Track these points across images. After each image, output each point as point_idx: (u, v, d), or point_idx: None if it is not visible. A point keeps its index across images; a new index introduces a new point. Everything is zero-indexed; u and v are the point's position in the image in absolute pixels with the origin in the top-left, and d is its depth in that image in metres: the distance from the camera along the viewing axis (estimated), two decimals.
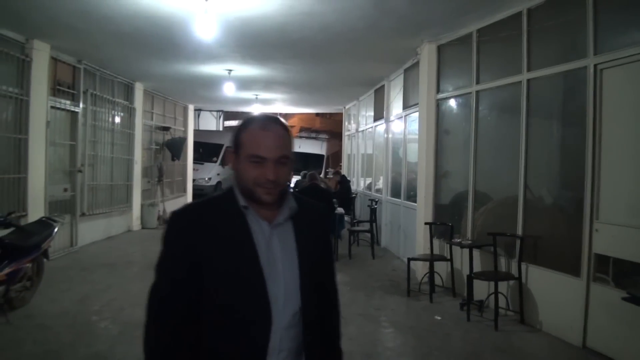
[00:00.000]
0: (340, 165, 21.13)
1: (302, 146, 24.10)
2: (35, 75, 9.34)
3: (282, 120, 2.02)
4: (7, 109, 8.83)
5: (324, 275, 2.15)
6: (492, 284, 6.92)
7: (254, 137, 1.92)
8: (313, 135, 27.45)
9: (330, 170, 19.20)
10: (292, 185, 14.17)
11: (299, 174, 15.36)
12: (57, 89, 10.45)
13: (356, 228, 13.14)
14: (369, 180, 15.99)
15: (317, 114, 29.57)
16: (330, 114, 28.61)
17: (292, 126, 35.54)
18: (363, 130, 16.61)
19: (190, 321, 1.90)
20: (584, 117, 6.01)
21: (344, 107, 20.15)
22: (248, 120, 2.00)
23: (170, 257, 1.95)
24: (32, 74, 9.25)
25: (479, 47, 8.03)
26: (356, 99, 17.35)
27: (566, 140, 6.58)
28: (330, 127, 30.82)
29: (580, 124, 6.09)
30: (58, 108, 10.46)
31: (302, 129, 32.85)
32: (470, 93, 8.20)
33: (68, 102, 10.84)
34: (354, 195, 15.54)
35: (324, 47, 9.66)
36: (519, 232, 6.98)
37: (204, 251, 1.89)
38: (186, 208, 2.04)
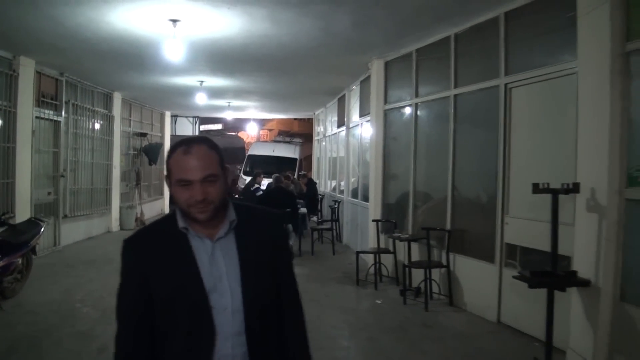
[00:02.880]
0: (308, 172, 22.00)
1: (276, 150, 24.95)
2: (22, 89, 10.20)
3: (208, 139, 2.13)
4: None
5: (277, 278, 2.21)
6: (427, 271, 7.97)
7: (178, 162, 2.01)
8: (287, 139, 28.36)
9: (303, 172, 20.16)
10: (263, 187, 15.08)
11: (270, 177, 16.23)
12: (42, 100, 11.31)
13: (319, 226, 14.10)
14: (335, 183, 17.01)
15: (295, 118, 30.49)
16: (308, 118, 29.63)
17: (270, 129, 36.35)
18: (329, 136, 17.65)
19: (148, 335, 2.07)
20: (497, 127, 7.09)
21: (314, 113, 21.20)
22: (174, 146, 2.09)
23: (124, 280, 2.11)
24: (19, 87, 10.12)
25: (418, 64, 9.11)
26: (324, 106, 18.38)
27: (484, 147, 7.59)
28: (307, 131, 31.68)
29: (495, 133, 7.16)
30: (42, 118, 11.33)
31: (280, 132, 33.69)
32: (411, 105, 9.27)
33: (51, 112, 11.72)
34: (320, 197, 16.58)
35: (283, 62, 10.69)
36: (448, 226, 8.05)
37: (150, 273, 2.04)
38: (134, 235, 2.19)
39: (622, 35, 5.16)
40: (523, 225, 6.65)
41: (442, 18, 7.60)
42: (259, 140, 33.61)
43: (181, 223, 2.07)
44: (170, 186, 2.06)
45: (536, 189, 5.50)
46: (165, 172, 2.14)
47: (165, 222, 2.15)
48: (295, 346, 2.25)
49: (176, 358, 2.04)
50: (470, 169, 7.94)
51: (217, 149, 2.09)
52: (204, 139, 2.10)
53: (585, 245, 5.50)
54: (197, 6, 7.07)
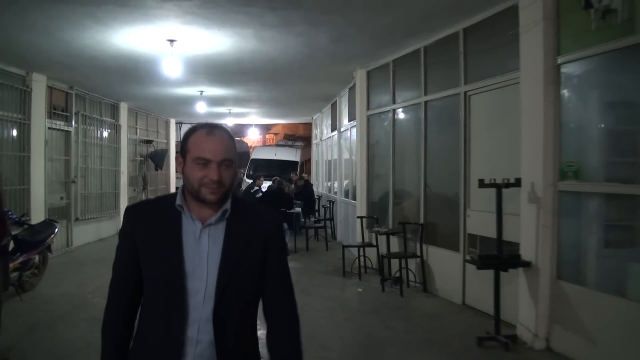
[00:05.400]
0: (305, 174, 22.71)
1: (278, 154, 25.71)
2: (35, 102, 11.13)
3: (226, 127, 2.21)
4: (12, 132, 10.67)
5: (267, 277, 2.21)
6: (401, 261, 8.84)
7: (200, 141, 2.06)
8: (289, 143, 29.12)
9: (305, 175, 21.02)
10: (263, 189, 15.95)
11: (270, 180, 17.04)
12: (53, 112, 12.24)
13: (314, 225, 15.00)
14: (330, 184, 17.88)
15: (300, 122, 31.20)
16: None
17: (276, 133, 37.06)
18: (325, 139, 18.56)
19: (134, 294, 2.18)
20: (459, 130, 7.94)
21: (312, 118, 22.13)
22: (195, 127, 2.14)
23: (120, 244, 2.21)
24: (32, 101, 11.04)
25: (395, 73, 9.98)
26: (319, 111, 19.29)
27: (450, 148, 8.39)
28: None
29: (457, 136, 8.01)
30: (54, 129, 12.27)
31: (285, 136, 34.33)
32: (389, 110, 10.15)
33: (62, 123, 12.66)
34: (317, 197, 17.49)
35: (275, 74, 11.60)
36: (421, 220, 8.90)
37: (140, 243, 2.13)
38: (136, 204, 2.30)
39: (553, 50, 6.03)
40: (481, 217, 7.48)
41: (411, 33, 8.46)
42: (264, 144, 34.39)
43: (178, 201, 2.12)
44: (183, 165, 2.12)
45: (481, 183, 6.38)
46: (180, 151, 2.18)
47: (167, 199, 2.21)
48: (287, 353, 2.23)
49: (152, 329, 2.10)
50: (439, 169, 8.78)
51: (234, 140, 2.18)
52: (223, 127, 2.17)
53: (528, 232, 6.34)
54: (191, 28, 7.95)
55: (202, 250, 2.08)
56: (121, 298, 2.19)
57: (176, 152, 21.89)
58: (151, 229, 2.12)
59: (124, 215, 2.21)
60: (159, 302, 2.08)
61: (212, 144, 2.05)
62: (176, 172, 22.50)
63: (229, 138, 2.12)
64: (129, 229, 2.16)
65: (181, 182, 2.20)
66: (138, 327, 2.16)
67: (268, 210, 2.33)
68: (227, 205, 2.13)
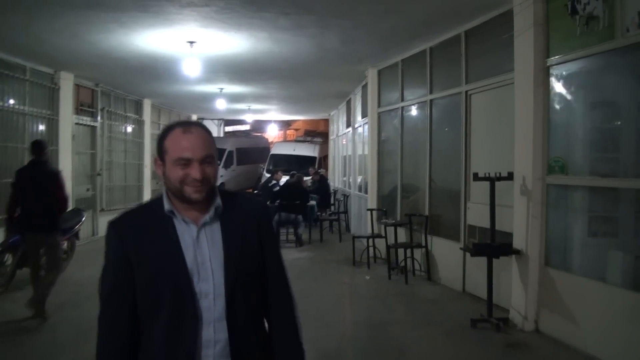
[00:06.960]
0: (322, 170, 23.20)
1: (297, 149, 26.12)
2: (63, 99, 11.81)
3: (202, 123, 2.15)
4: (41, 127, 11.35)
5: (264, 264, 2.19)
6: (407, 251, 9.34)
7: (177, 141, 1.99)
8: (308, 139, 29.61)
9: (322, 170, 21.53)
10: (281, 183, 16.48)
11: (287, 174, 17.55)
12: (80, 108, 12.94)
13: (329, 217, 15.55)
14: (345, 178, 18.39)
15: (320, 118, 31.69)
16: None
17: (296, 129, 37.56)
18: (341, 135, 19.07)
19: (131, 317, 2.04)
20: (460, 127, 8.41)
21: (329, 114, 22.65)
22: (169, 127, 2.07)
23: (108, 262, 2.09)
24: (60, 98, 11.74)
25: (403, 72, 10.46)
26: (336, 108, 19.81)
27: (453, 144, 8.83)
28: None
29: (459, 132, 8.47)
30: (81, 124, 12.95)
31: (306, 132, 34.82)
32: (398, 108, 10.64)
33: (88, 118, 13.36)
34: (333, 192, 18.01)
35: (290, 72, 12.17)
36: (426, 212, 9.38)
37: (133, 255, 2.01)
38: (120, 217, 2.14)
39: (543, 53, 6.46)
40: (480, 209, 7.91)
41: (416, 35, 8.92)
42: (285, 139, 34.91)
43: (167, 206, 2.06)
44: (162, 167, 2.05)
45: (476, 177, 6.85)
46: (157, 154, 2.09)
47: (152, 205, 2.14)
48: (284, 333, 2.24)
49: (159, 342, 2.02)
50: (443, 163, 9.24)
51: (212, 134, 2.11)
52: (199, 123, 2.11)
53: (519, 222, 6.79)
54: (209, 31, 8.50)
55: (203, 251, 2.04)
56: (119, 326, 2.05)
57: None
58: (145, 240, 2.04)
59: (109, 231, 2.10)
60: (167, 313, 2.00)
61: (190, 142, 1.99)
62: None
63: (207, 133, 2.07)
64: (119, 245, 2.06)
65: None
66: (142, 346, 2.07)
67: (254, 199, 2.41)
68: (218, 201, 2.10)
